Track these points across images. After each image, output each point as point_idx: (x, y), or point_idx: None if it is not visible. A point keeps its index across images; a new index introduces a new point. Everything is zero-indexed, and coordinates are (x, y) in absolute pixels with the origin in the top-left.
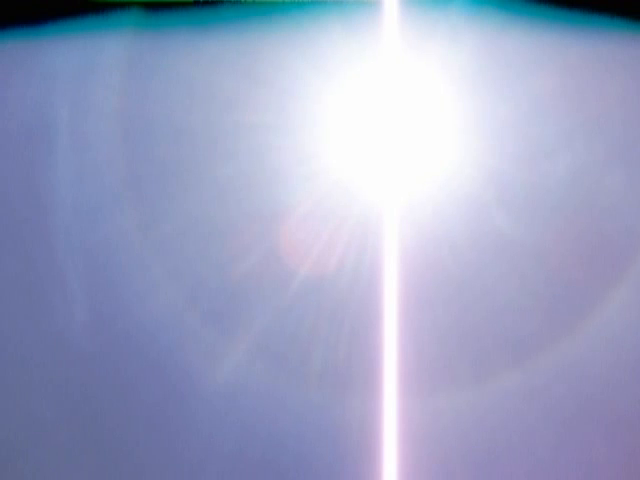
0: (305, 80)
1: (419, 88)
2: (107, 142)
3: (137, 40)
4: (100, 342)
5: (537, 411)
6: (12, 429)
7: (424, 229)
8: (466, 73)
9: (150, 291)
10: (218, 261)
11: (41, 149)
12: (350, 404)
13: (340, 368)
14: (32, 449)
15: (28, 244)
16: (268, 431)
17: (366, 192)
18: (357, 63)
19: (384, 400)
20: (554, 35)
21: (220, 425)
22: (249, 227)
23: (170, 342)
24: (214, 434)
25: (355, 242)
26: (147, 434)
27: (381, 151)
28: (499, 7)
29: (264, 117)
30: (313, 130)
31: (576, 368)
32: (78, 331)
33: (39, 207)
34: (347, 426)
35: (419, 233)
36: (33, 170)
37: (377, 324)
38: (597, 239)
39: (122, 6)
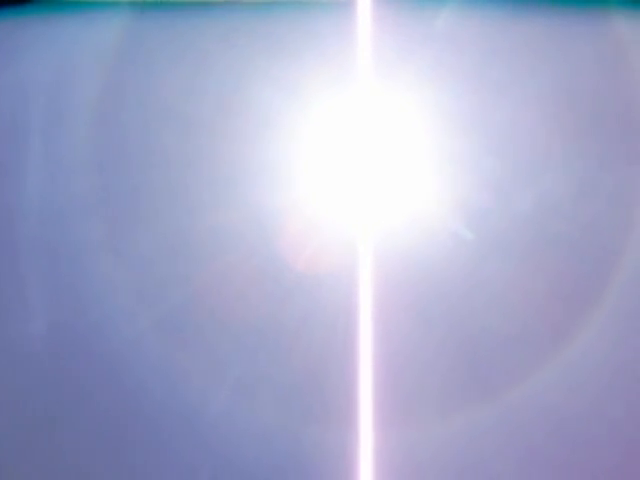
0: (283, 103)
1: (396, 104)
2: (80, 148)
3: (115, 56)
4: (63, 360)
5: (517, 443)
6: None
7: (399, 258)
8: (444, 81)
9: (118, 311)
10: (189, 284)
11: (10, 151)
12: (325, 435)
13: (315, 398)
14: None
15: None
16: (242, 460)
17: (343, 219)
18: (334, 81)
19: (360, 431)
20: (546, 30)
21: (192, 452)
22: (223, 252)
23: (137, 362)
24: (186, 461)
25: (331, 270)
26: (105, 448)
27: (357, 176)
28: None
29: (243, 144)
30: (295, 146)
31: (555, 400)
32: (40, 347)
33: (5, 217)
34: (322, 457)
35: (394, 262)
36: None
37: (352, 355)
38: (574, 267)
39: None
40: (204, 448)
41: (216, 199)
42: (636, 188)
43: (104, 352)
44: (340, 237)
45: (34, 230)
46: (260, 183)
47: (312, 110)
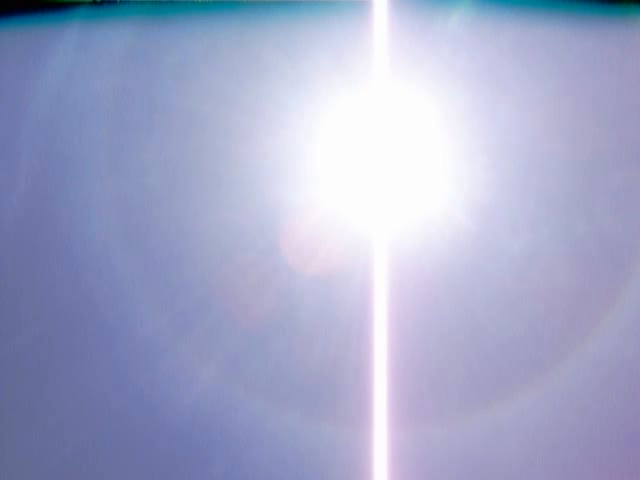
0: (295, 104)
1: (410, 104)
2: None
3: (122, 60)
4: (70, 362)
5: (531, 442)
6: None
7: (411, 256)
8: (458, 83)
9: (131, 312)
10: (201, 284)
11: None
12: (340, 434)
13: (330, 397)
14: None
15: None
16: (255, 461)
17: (356, 219)
18: (347, 82)
19: (374, 430)
20: (552, 32)
21: (204, 450)
22: (236, 251)
23: (149, 362)
24: (198, 459)
25: (345, 269)
26: (115, 448)
27: (371, 174)
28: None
29: (254, 145)
30: (307, 146)
31: (569, 398)
32: (50, 347)
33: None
34: (337, 457)
35: (407, 260)
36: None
37: (366, 352)
38: (583, 264)
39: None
40: (217, 446)
41: (228, 198)
42: None
43: (116, 354)
44: (353, 236)
45: (45, 234)
46: (273, 182)
47: (325, 109)
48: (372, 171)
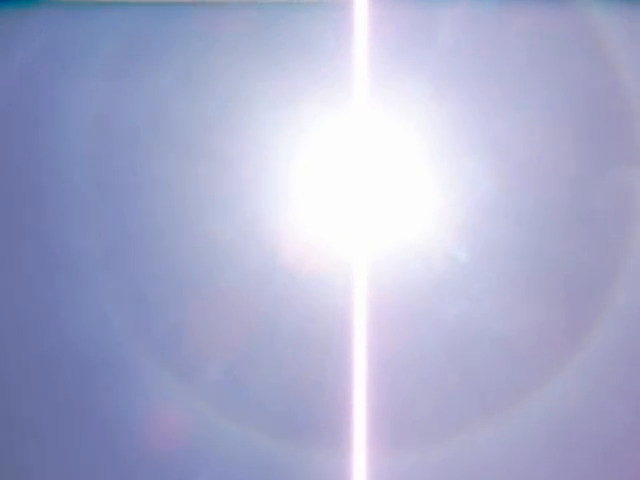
0: (277, 112)
1: (396, 109)
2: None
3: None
4: (50, 377)
5: (513, 464)
6: None
7: (394, 278)
8: (444, 85)
9: (122, 326)
10: (186, 301)
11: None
12: (318, 458)
13: (309, 422)
14: None
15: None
16: None
17: (337, 236)
18: (330, 89)
19: (353, 456)
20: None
21: (180, 474)
22: (219, 269)
23: (131, 374)
24: None
25: (325, 289)
26: (95, 464)
27: (353, 187)
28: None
29: (238, 165)
30: (289, 161)
31: (556, 422)
32: (31, 361)
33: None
34: (315, 475)
35: (389, 282)
36: None
37: (346, 373)
38: (573, 288)
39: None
40: (195, 471)
41: (208, 217)
42: None
43: (102, 370)
44: (336, 255)
45: (30, 244)
46: (253, 200)
47: (308, 120)
48: (354, 184)
